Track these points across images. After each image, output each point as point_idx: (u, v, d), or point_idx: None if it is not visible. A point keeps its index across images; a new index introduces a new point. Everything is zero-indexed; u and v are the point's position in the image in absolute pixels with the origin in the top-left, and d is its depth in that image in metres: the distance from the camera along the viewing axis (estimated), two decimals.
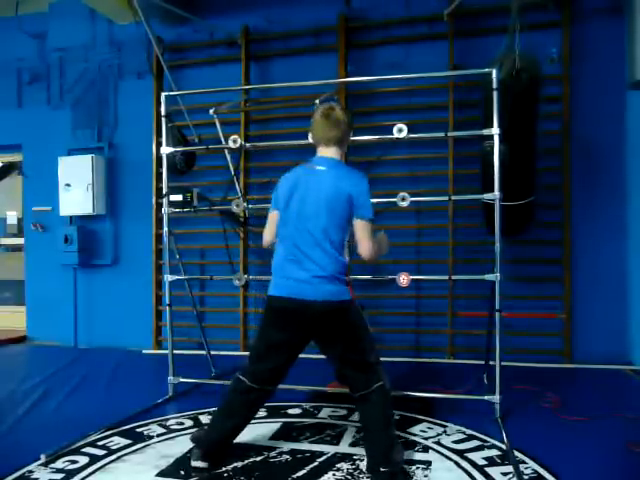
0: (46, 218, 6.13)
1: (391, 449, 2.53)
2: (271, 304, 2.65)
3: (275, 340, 2.64)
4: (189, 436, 2.93)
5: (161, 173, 4.14)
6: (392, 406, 2.65)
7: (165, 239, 4.07)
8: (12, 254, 7.07)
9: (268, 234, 2.80)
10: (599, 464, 2.67)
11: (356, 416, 3.35)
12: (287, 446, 2.91)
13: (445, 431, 3.14)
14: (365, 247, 2.57)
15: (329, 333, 2.61)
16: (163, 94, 4.07)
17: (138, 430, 3.21)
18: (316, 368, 3.44)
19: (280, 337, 2.63)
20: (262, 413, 3.46)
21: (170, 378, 3.91)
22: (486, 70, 3.42)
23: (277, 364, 2.66)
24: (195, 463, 2.63)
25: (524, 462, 2.67)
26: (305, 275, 2.53)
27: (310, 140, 2.79)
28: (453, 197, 4.27)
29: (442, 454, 2.81)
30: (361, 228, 2.57)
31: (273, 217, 2.75)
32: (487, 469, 2.62)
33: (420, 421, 3.30)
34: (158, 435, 3.13)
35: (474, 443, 2.95)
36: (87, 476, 2.60)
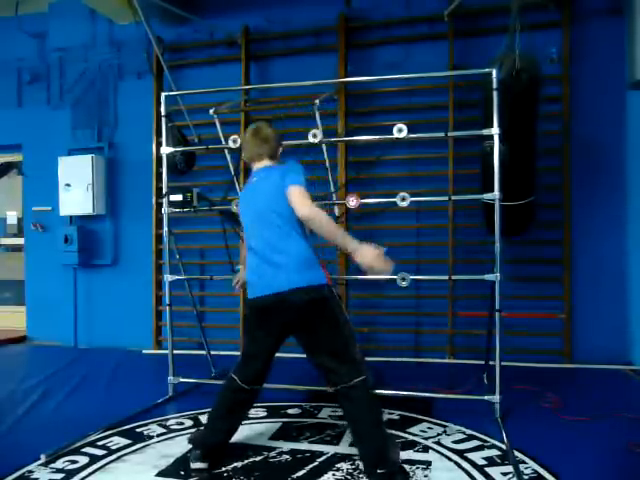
0: (46, 218, 6.13)
1: (385, 448, 2.50)
2: (250, 306, 2.72)
3: (259, 340, 2.69)
4: (187, 437, 2.94)
5: (161, 173, 4.14)
6: (379, 403, 2.64)
7: (165, 239, 4.08)
8: (12, 254, 7.07)
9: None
10: (599, 464, 2.67)
11: None
12: (287, 446, 2.91)
13: (445, 431, 3.14)
14: (298, 208, 2.55)
15: (311, 321, 2.60)
16: (163, 94, 4.08)
17: (138, 430, 3.21)
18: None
19: (263, 336, 2.67)
20: (262, 413, 3.46)
21: (170, 378, 3.91)
22: (486, 70, 3.43)
23: (263, 364, 2.72)
24: (195, 465, 2.64)
25: (524, 462, 2.67)
26: (277, 270, 2.57)
27: (245, 159, 2.94)
28: (453, 197, 4.27)
29: (442, 454, 2.81)
30: (292, 193, 2.59)
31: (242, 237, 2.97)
32: (487, 469, 2.62)
33: (420, 421, 3.30)
34: (158, 435, 3.13)
35: (474, 443, 2.95)
36: (87, 476, 2.60)
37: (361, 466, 2.62)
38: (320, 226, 2.52)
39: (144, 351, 5.57)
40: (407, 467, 2.62)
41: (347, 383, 2.53)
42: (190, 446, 2.80)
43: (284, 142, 3.01)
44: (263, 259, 2.64)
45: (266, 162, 2.83)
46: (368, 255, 2.50)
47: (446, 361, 4.88)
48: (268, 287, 2.59)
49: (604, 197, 4.73)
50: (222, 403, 2.75)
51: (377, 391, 3.56)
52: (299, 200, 2.56)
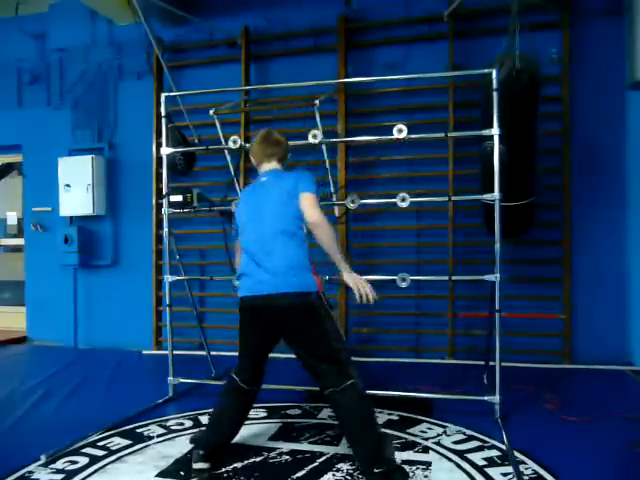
0: (46, 218, 6.13)
1: (380, 447, 2.50)
2: (241, 305, 2.73)
3: (250, 340, 2.72)
4: (189, 437, 2.94)
5: (161, 174, 4.14)
6: (371, 403, 2.63)
7: (165, 240, 4.08)
8: (12, 254, 7.08)
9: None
10: (599, 464, 2.67)
11: None
12: (287, 447, 2.92)
13: (445, 431, 3.14)
14: (309, 213, 2.63)
15: (297, 326, 2.62)
16: (163, 94, 4.07)
17: (138, 431, 3.21)
18: None
19: (253, 335, 2.70)
20: (262, 413, 3.46)
21: (170, 378, 3.91)
22: (486, 70, 3.42)
23: (257, 363, 2.74)
24: (197, 465, 2.64)
25: (524, 462, 2.67)
26: (267, 272, 2.61)
27: (254, 162, 2.96)
28: (453, 197, 4.27)
29: (442, 455, 2.81)
30: (303, 199, 2.67)
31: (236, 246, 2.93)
32: (487, 469, 2.61)
33: (420, 421, 3.30)
34: (158, 436, 3.13)
35: (474, 444, 2.95)
36: (87, 476, 2.60)
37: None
38: (324, 234, 2.62)
39: (144, 352, 5.57)
40: (407, 467, 2.62)
41: (336, 387, 2.54)
42: (191, 446, 2.80)
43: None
44: (256, 260, 2.66)
45: (275, 165, 2.87)
46: (355, 278, 2.69)
47: (446, 362, 4.88)
48: (257, 288, 2.63)
49: (604, 197, 4.73)
50: (223, 404, 2.76)
51: (378, 392, 3.60)
52: (310, 205, 2.64)
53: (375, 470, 2.43)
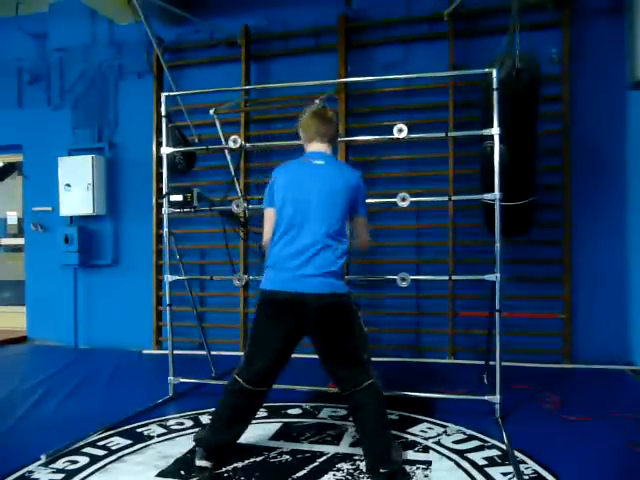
0: (46, 218, 6.13)
1: (389, 449, 2.52)
2: (268, 298, 2.59)
3: (272, 336, 2.59)
4: (192, 436, 2.94)
5: (161, 173, 4.14)
6: (386, 405, 2.63)
7: (165, 239, 4.07)
8: (12, 254, 7.08)
9: (269, 232, 2.68)
10: (599, 464, 2.67)
11: None
12: (287, 446, 2.91)
13: (445, 431, 3.14)
14: (364, 240, 2.82)
15: (326, 327, 2.57)
16: (163, 94, 4.07)
17: (138, 430, 3.21)
18: (316, 368, 3.42)
19: (277, 333, 2.58)
20: (262, 413, 3.46)
21: (170, 378, 3.91)
22: (486, 70, 3.43)
23: (273, 362, 2.63)
24: (199, 462, 2.63)
25: (524, 462, 2.67)
26: (307, 269, 2.50)
27: (302, 138, 2.81)
28: (453, 197, 4.27)
29: (442, 454, 2.81)
30: (362, 224, 2.78)
31: (271, 214, 2.68)
32: (487, 469, 2.62)
33: (420, 421, 3.30)
34: (158, 435, 3.13)
35: (474, 443, 2.95)
36: (87, 476, 2.60)
37: (361, 466, 2.62)
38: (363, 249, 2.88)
39: (144, 351, 5.57)
40: (407, 467, 2.62)
41: (358, 386, 2.55)
42: (191, 446, 2.80)
43: (286, 142, 3.02)
44: (295, 252, 2.53)
45: (325, 146, 2.73)
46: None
47: (446, 361, 4.88)
48: (292, 284, 2.51)
49: (604, 197, 4.73)
50: (225, 407, 2.70)
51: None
52: (364, 233, 2.81)
53: (381, 470, 2.44)
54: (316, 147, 2.73)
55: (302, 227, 2.56)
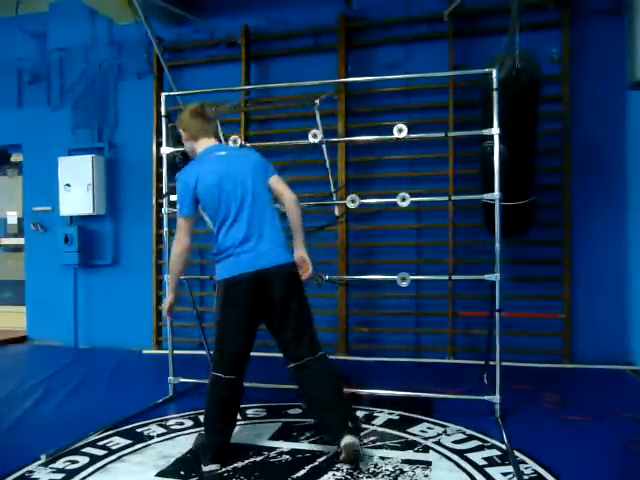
0: (46, 218, 6.13)
1: (351, 406, 2.79)
2: (232, 283, 2.69)
3: (241, 319, 2.71)
4: (192, 436, 2.95)
5: (161, 173, 4.14)
6: (338, 375, 2.83)
7: (165, 239, 4.07)
8: (12, 254, 7.07)
9: (183, 241, 2.88)
10: (599, 464, 2.67)
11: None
12: (287, 446, 2.91)
13: (445, 431, 3.14)
14: (288, 194, 2.83)
15: (287, 296, 2.72)
16: (163, 94, 4.08)
17: (138, 430, 3.21)
18: None
19: (244, 314, 2.70)
20: (262, 413, 3.47)
21: (170, 378, 3.91)
22: (486, 70, 3.43)
23: (244, 345, 2.75)
24: (208, 468, 2.63)
25: (524, 462, 2.67)
26: (262, 246, 2.69)
27: (185, 138, 2.95)
28: (453, 197, 4.27)
29: (442, 454, 2.81)
30: (277, 180, 2.87)
31: (189, 223, 2.86)
32: (487, 469, 2.62)
33: (420, 421, 3.30)
34: (158, 435, 3.13)
35: (474, 443, 2.95)
36: (87, 476, 2.60)
37: (361, 466, 2.62)
38: (299, 212, 2.81)
39: (144, 351, 5.57)
40: (407, 467, 2.63)
41: (312, 355, 2.72)
42: (193, 450, 2.81)
43: (286, 142, 3.06)
44: (249, 234, 2.70)
45: (213, 140, 2.94)
46: (307, 258, 2.84)
47: (446, 361, 4.88)
48: (258, 262, 2.67)
49: (604, 197, 4.73)
50: (211, 405, 2.75)
51: (378, 392, 3.60)
52: (285, 188, 2.84)
53: (350, 425, 2.61)
54: (206, 143, 2.91)
55: (240, 213, 2.72)
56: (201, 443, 2.76)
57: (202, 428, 2.85)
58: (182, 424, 3.31)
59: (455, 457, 2.77)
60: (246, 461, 2.73)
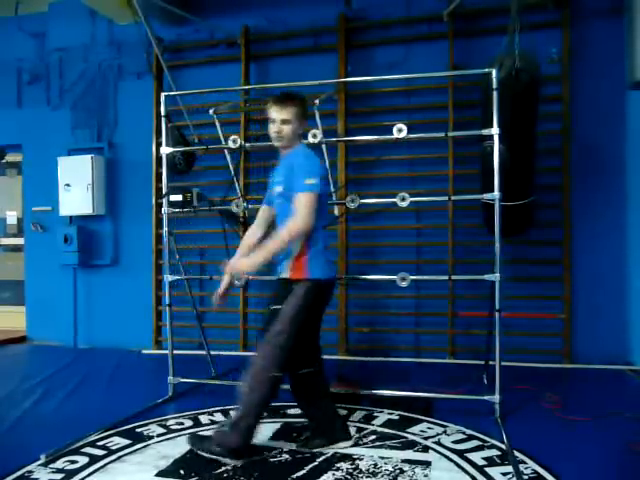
0: (46, 218, 6.13)
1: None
2: (326, 284, 2.79)
3: (319, 321, 2.91)
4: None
5: (161, 173, 4.13)
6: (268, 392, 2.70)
7: (165, 239, 4.07)
8: (12, 254, 7.07)
9: (311, 220, 2.63)
10: (599, 464, 2.67)
11: (356, 416, 3.36)
12: (287, 446, 2.91)
13: (445, 431, 3.14)
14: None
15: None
16: (163, 94, 4.07)
17: (138, 430, 3.21)
18: None
19: (322, 316, 2.92)
20: None
21: (170, 378, 3.91)
22: (486, 70, 3.42)
23: (315, 340, 2.94)
24: (234, 462, 2.66)
25: (524, 462, 2.67)
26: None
27: (298, 131, 3.07)
28: (453, 197, 4.27)
29: (442, 454, 2.80)
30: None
31: (316, 200, 2.66)
32: (487, 469, 2.61)
33: (420, 421, 3.30)
34: (158, 435, 3.13)
35: (474, 443, 2.95)
36: (87, 476, 2.60)
37: (361, 466, 2.63)
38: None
39: (144, 351, 5.57)
40: (407, 467, 2.62)
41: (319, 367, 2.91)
42: (189, 447, 2.80)
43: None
44: (327, 243, 2.87)
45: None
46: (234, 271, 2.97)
47: (446, 361, 4.88)
48: (334, 271, 2.94)
49: (604, 197, 4.73)
50: (265, 398, 2.71)
51: (379, 392, 3.60)
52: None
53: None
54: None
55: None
56: (234, 441, 2.64)
57: (218, 426, 2.91)
58: (182, 424, 3.31)
59: (455, 457, 2.76)
60: (246, 461, 2.72)
